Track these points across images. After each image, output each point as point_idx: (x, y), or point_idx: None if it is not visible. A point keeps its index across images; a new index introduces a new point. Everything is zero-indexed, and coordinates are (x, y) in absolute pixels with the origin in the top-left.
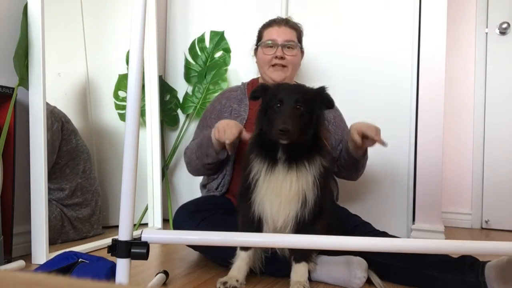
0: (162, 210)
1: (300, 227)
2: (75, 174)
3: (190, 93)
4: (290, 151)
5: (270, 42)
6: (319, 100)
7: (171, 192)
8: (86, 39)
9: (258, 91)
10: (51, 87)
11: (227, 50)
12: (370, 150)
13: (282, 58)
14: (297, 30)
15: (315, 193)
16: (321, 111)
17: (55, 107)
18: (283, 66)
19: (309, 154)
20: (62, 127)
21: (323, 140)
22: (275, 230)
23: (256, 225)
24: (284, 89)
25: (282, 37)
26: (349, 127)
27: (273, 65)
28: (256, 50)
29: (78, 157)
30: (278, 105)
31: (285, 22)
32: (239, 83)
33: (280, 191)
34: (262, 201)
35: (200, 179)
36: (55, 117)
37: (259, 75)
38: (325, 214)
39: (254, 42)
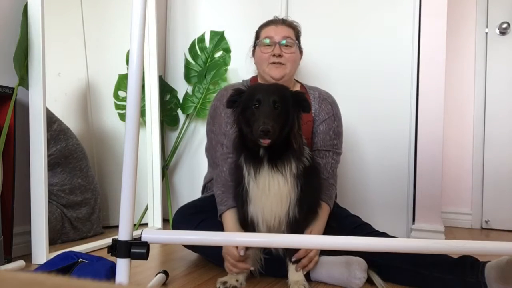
0: (162, 210)
1: (293, 226)
2: (68, 173)
3: (190, 93)
4: (270, 151)
5: (267, 40)
6: (296, 102)
7: (171, 192)
8: (86, 39)
9: (233, 95)
10: (51, 87)
11: (227, 50)
12: (370, 150)
13: (280, 56)
14: (295, 28)
15: (296, 192)
16: (297, 112)
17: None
18: (281, 64)
19: (286, 153)
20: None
21: (295, 140)
22: (269, 231)
23: (250, 226)
24: (262, 89)
25: (279, 34)
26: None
27: (272, 63)
28: (254, 51)
29: (70, 156)
30: (256, 105)
31: (282, 21)
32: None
33: (269, 191)
34: (254, 203)
35: (201, 181)
36: None
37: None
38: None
39: (252, 43)
